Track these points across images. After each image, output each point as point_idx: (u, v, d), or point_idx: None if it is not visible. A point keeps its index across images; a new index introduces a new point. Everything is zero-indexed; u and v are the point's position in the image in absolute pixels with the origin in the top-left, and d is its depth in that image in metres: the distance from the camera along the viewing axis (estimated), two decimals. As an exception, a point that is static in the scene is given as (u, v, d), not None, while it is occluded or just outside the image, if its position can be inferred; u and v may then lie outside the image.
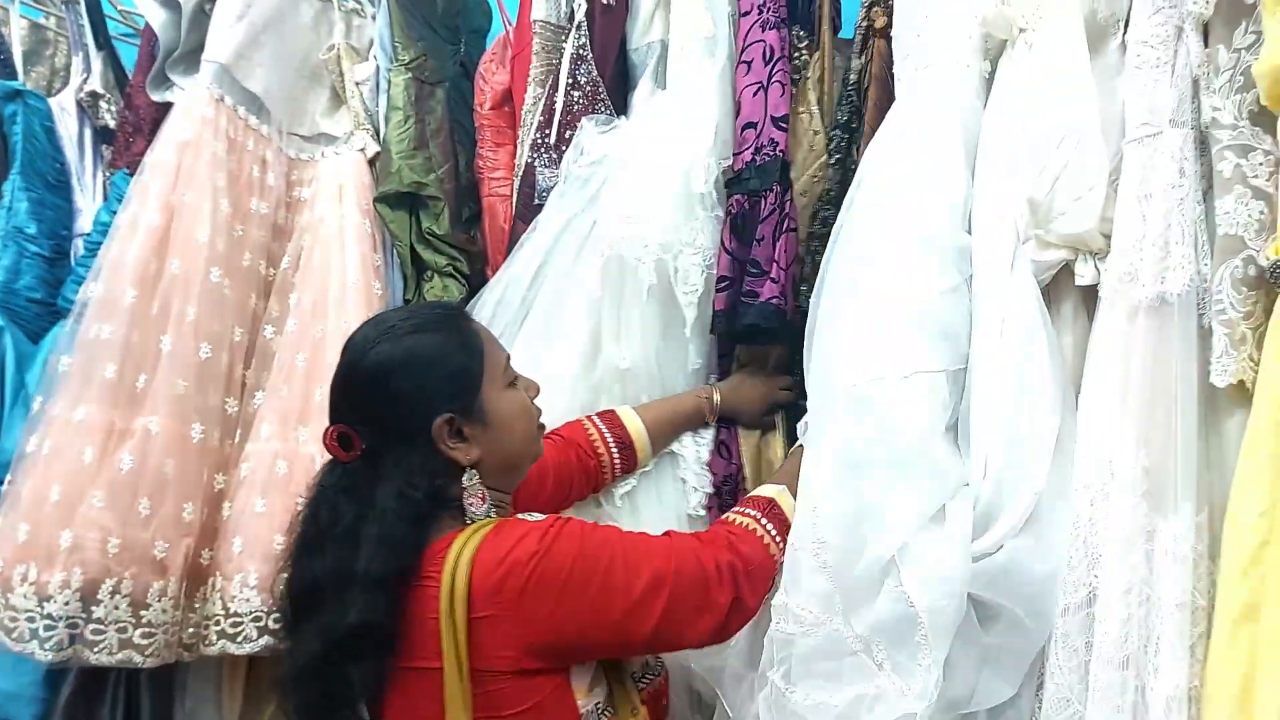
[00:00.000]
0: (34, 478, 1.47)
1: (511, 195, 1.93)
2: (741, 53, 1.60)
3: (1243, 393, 0.98)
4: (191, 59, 1.83)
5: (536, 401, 1.21)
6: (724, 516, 1.21)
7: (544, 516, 1.08)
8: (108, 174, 2.15)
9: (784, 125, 1.54)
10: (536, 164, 1.79)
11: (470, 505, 1.08)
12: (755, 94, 1.56)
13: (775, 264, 1.48)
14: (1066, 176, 1.06)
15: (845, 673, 1.00)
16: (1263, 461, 0.94)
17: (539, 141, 1.80)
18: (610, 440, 1.44)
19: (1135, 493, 0.99)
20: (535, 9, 1.84)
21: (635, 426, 1.45)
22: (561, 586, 0.99)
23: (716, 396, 1.50)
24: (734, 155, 1.58)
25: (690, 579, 1.03)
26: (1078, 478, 1.03)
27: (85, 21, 2.17)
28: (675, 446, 1.52)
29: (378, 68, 1.94)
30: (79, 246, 2.09)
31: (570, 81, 1.76)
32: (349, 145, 1.93)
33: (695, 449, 1.53)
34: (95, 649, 1.44)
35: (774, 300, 1.44)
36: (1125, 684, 0.97)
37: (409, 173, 1.84)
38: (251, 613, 1.49)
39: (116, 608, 1.42)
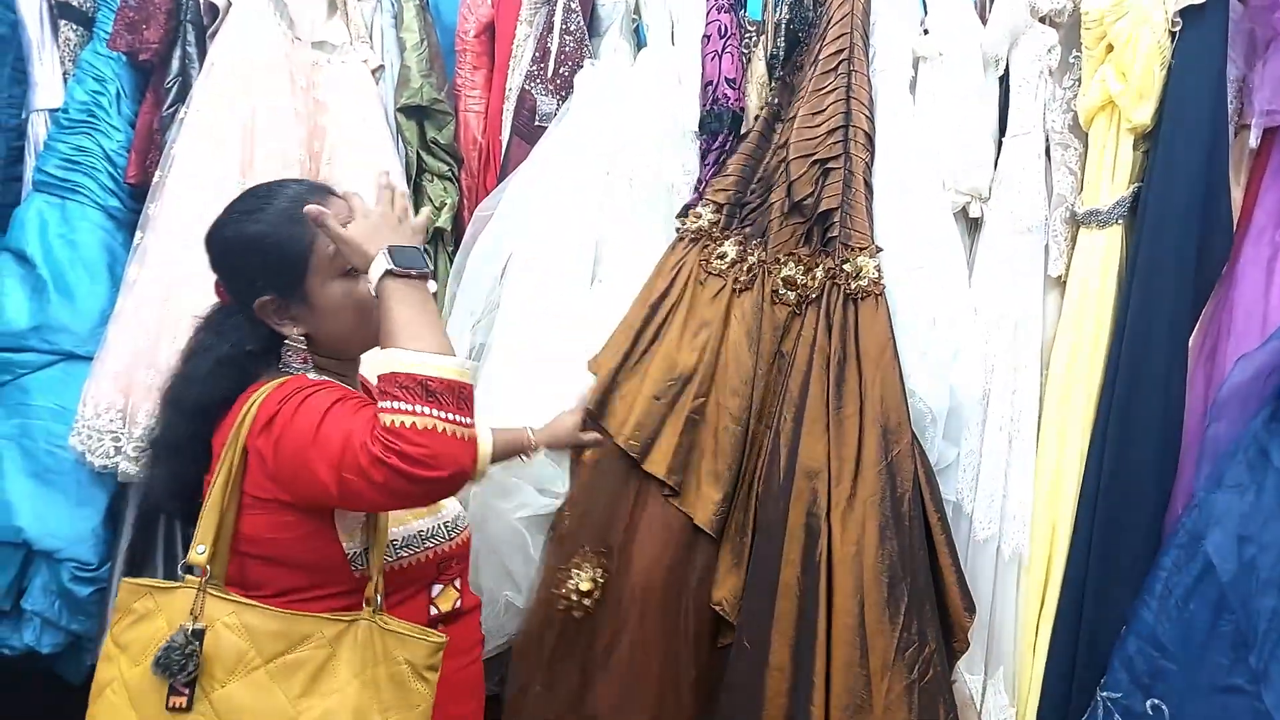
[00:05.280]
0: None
1: (484, 112, 2.34)
2: (705, 28, 2.13)
3: (1060, 282, 1.83)
4: (215, -41, 1.98)
5: None
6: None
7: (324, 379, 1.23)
8: (68, 50, 2.16)
9: (733, 84, 2.14)
10: (534, 91, 2.21)
11: (288, 358, 1.23)
12: (712, 60, 2.13)
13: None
14: (972, 153, 1.82)
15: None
16: (1069, 324, 1.78)
17: (534, 73, 2.22)
18: None
19: (1006, 341, 1.80)
20: (527, -37, 2.21)
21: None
22: (290, 436, 1.12)
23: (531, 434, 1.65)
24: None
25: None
26: (980, 336, 1.80)
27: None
28: None
29: (380, -12, 2.21)
30: (43, 120, 2.11)
31: (564, 28, 2.20)
32: (353, 55, 2.18)
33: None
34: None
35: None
36: (1000, 442, 1.79)
37: (429, 90, 2.17)
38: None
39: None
